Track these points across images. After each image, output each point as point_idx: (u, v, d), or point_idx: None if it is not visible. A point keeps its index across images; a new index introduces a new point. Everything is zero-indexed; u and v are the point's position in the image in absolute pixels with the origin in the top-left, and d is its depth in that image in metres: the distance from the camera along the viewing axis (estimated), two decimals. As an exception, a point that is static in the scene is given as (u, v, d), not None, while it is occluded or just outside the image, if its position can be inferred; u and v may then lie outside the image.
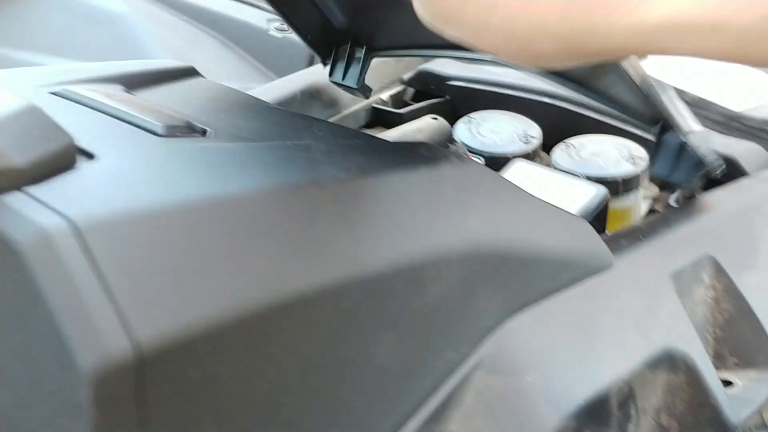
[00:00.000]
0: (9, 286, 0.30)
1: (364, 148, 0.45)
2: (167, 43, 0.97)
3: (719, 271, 0.57)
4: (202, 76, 0.56)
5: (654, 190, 0.79)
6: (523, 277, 0.46)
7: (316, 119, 0.52)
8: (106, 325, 0.29)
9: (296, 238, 0.35)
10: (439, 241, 0.41)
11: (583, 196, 0.65)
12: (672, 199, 0.77)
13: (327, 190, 0.38)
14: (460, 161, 0.46)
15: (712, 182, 0.77)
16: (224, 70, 0.97)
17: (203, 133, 0.41)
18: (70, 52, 0.95)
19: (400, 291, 0.39)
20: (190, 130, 0.41)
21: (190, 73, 0.55)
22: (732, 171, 0.76)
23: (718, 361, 0.56)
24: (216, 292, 0.31)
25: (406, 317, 0.39)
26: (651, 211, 0.78)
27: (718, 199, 0.66)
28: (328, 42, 0.71)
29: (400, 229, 0.39)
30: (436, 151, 0.47)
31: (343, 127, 0.52)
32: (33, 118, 0.33)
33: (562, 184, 0.67)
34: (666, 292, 0.53)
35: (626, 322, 0.50)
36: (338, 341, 0.36)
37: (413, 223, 0.40)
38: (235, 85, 0.97)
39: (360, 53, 0.72)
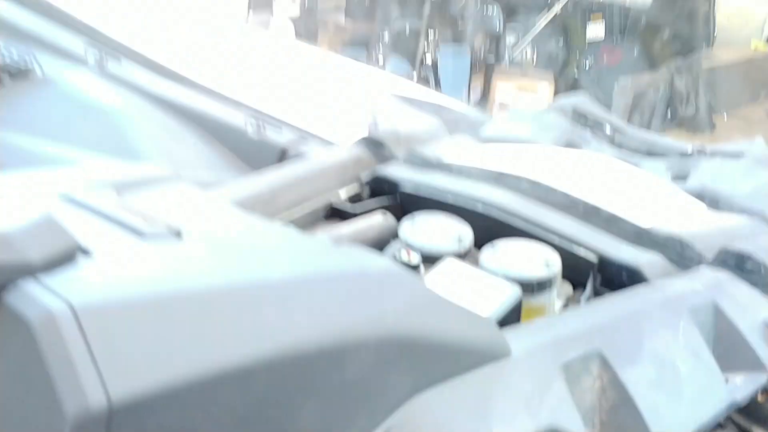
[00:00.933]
0: (17, 350, 0.40)
1: (309, 250, 0.56)
2: (152, 135, 1.07)
3: (606, 364, 0.68)
4: (183, 182, 0.66)
5: (568, 289, 0.90)
6: (430, 362, 0.56)
7: (271, 223, 0.62)
8: (88, 385, 0.38)
9: (241, 323, 0.45)
10: (359, 327, 0.51)
11: (500, 294, 0.76)
12: (583, 299, 0.88)
13: (271, 285, 0.48)
14: (386, 266, 0.57)
15: (620, 287, 0.89)
16: (203, 161, 1.07)
17: (178, 235, 0.51)
18: (64, 138, 1.05)
19: (323, 367, 0.48)
20: (168, 232, 0.51)
21: (172, 178, 0.66)
22: (636, 278, 0.87)
23: (602, 442, 0.66)
24: (173, 364, 0.41)
25: (327, 389, 0.49)
26: (563, 309, 0.88)
27: (613, 301, 0.76)
28: None
29: (328, 317, 0.49)
30: (369, 256, 0.57)
31: (291, 230, 0.63)
32: (47, 224, 0.43)
33: (484, 282, 0.77)
34: (556, 380, 0.63)
35: (517, 403, 0.60)
36: (269, 406, 0.45)
37: (339, 311, 0.50)
38: (213, 176, 1.08)
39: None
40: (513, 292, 0.76)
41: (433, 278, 0.77)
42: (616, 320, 0.73)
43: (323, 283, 0.51)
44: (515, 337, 0.64)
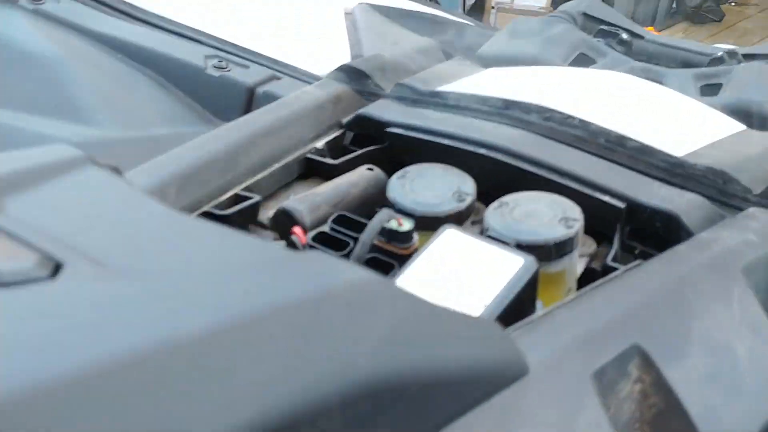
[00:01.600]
0: None
1: (246, 274, 0.40)
2: (98, 85, 0.90)
3: (647, 362, 0.52)
4: (94, 165, 0.50)
5: (591, 246, 0.74)
6: (425, 405, 0.41)
7: (195, 229, 0.45)
8: None
9: (133, 415, 0.29)
10: (319, 383, 0.35)
11: (511, 268, 0.60)
12: (610, 258, 0.72)
13: (174, 349, 0.32)
14: (350, 273, 0.41)
15: (653, 237, 0.73)
16: (157, 113, 0.90)
17: (56, 269, 0.36)
18: (-4, 96, 0.89)
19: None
20: (39, 269, 0.35)
21: (80, 162, 0.49)
22: (672, 226, 0.71)
23: (646, 458, 0.52)
24: None
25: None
26: (587, 270, 0.73)
27: (649, 272, 0.60)
28: None
29: (268, 380, 0.34)
30: (327, 270, 0.41)
31: (226, 239, 0.46)
32: None
33: (490, 255, 0.61)
34: (586, 396, 0.48)
35: (541, 437, 0.45)
36: None
37: (285, 368, 0.35)
38: (168, 129, 0.91)
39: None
40: (526, 265, 0.60)
41: (429, 257, 0.61)
42: (655, 298, 0.57)
43: (262, 328, 0.36)
44: (532, 343, 0.49)
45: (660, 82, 1.06)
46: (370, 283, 0.40)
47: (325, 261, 0.41)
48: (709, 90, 1.05)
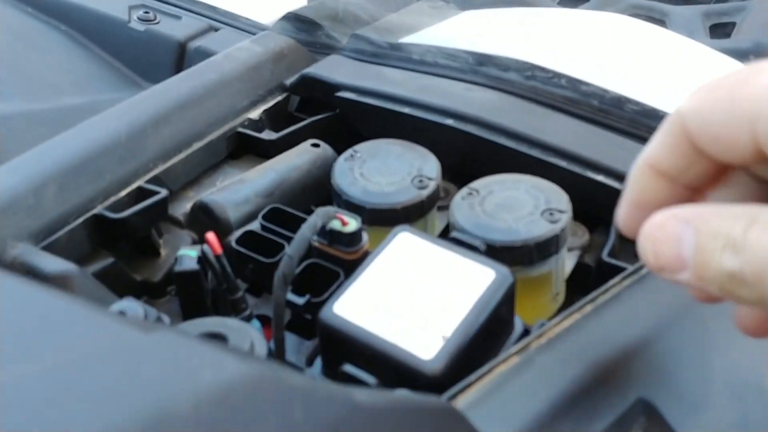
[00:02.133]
0: None
1: (39, 373, 0.25)
2: (2, 48, 0.74)
3: (657, 420, 0.39)
4: None
5: (583, 235, 0.60)
6: None
7: (28, 295, 0.31)
8: None
9: None
10: None
11: (479, 285, 0.46)
12: (606, 252, 0.57)
13: None
14: (209, 374, 0.27)
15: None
16: (72, 78, 0.75)
17: None
18: None
19: None
20: None
21: None
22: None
23: None
24: None
25: None
26: (579, 266, 0.59)
27: (653, 289, 0.46)
28: None
29: None
30: (169, 363, 0.27)
31: (52, 300, 0.31)
32: None
33: (453, 267, 0.47)
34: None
35: None
36: None
37: None
38: (84, 98, 0.76)
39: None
40: (498, 279, 0.46)
41: (377, 268, 0.47)
42: (664, 328, 0.43)
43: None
44: (496, 415, 0.35)
45: (663, 23, 0.90)
46: (242, 384, 0.26)
47: (178, 352, 0.27)
48: (721, 30, 0.88)
